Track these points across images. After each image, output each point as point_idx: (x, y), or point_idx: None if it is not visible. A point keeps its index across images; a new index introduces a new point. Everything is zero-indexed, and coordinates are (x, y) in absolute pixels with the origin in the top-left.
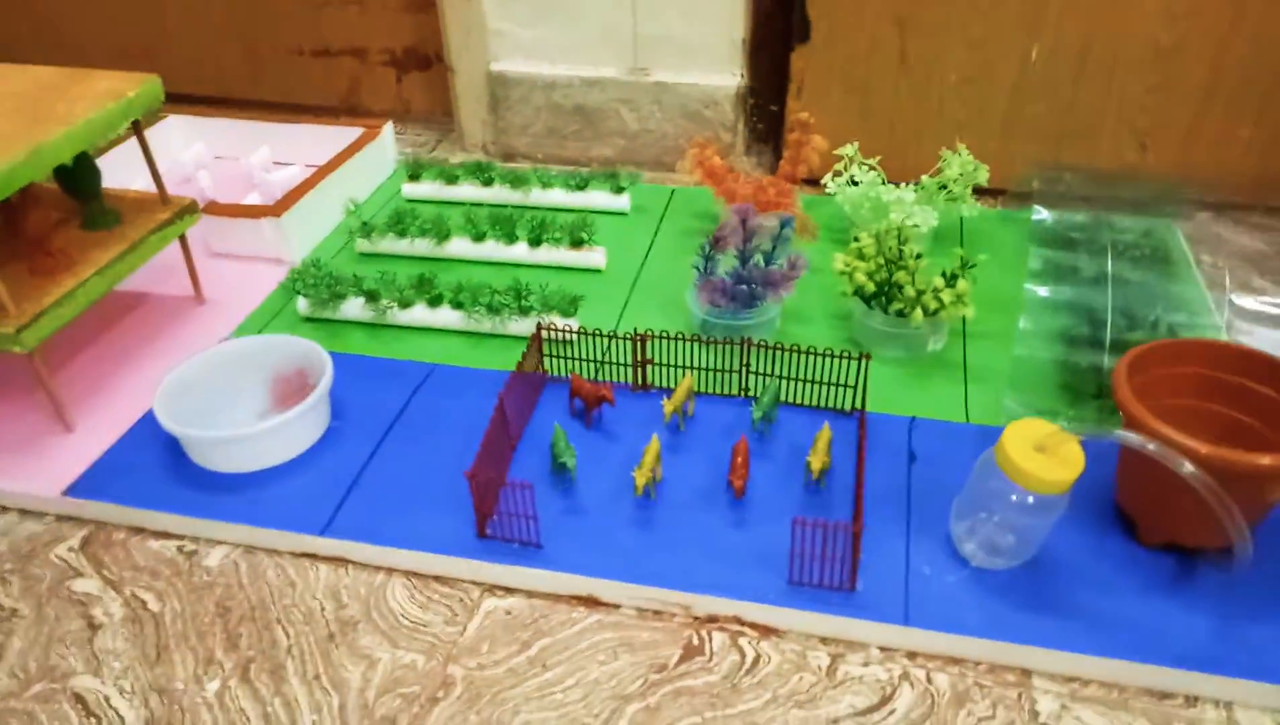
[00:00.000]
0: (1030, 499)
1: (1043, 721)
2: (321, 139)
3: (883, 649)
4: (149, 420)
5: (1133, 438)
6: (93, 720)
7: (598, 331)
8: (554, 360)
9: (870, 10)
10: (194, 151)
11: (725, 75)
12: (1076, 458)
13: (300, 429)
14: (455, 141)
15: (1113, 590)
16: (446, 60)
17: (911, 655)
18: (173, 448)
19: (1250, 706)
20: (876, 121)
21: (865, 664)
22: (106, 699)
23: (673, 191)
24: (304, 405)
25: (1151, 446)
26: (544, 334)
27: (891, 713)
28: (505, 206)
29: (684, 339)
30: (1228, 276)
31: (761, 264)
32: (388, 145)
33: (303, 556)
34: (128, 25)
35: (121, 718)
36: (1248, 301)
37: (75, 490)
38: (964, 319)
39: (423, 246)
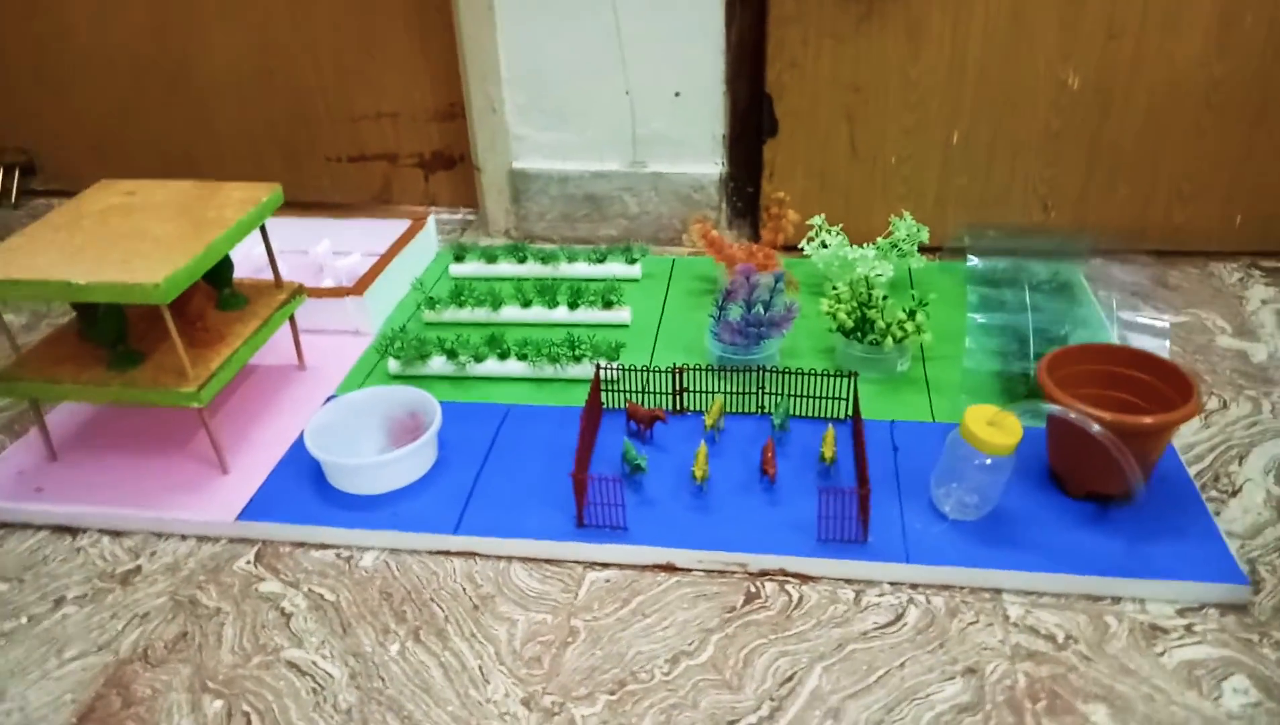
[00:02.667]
0: (988, 461)
1: (1013, 622)
2: (371, 231)
3: (891, 583)
4: (289, 461)
5: (1058, 409)
6: (306, 678)
7: (646, 367)
8: (605, 394)
9: (824, 109)
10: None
11: (709, 165)
12: (1016, 428)
13: (424, 456)
14: (479, 227)
15: (1052, 528)
16: (474, 161)
17: (913, 585)
18: (314, 479)
19: (1157, 599)
20: (834, 197)
21: (880, 594)
22: (314, 663)
23: (673, 261)
24: (427, 435)
25: (1072, 414)
26: (602, 373)
27: (904, 624)
28: (543, 279)
29: (712, 370)
30: (1114, 302)
31: (762, 311)
32: (431, 233)
33: (438, 553)
34: (177, 132)
35: (329, 674)
36: (1132, 317)
37: (245, 515)
38: (922, 345)
39: (480, 314)
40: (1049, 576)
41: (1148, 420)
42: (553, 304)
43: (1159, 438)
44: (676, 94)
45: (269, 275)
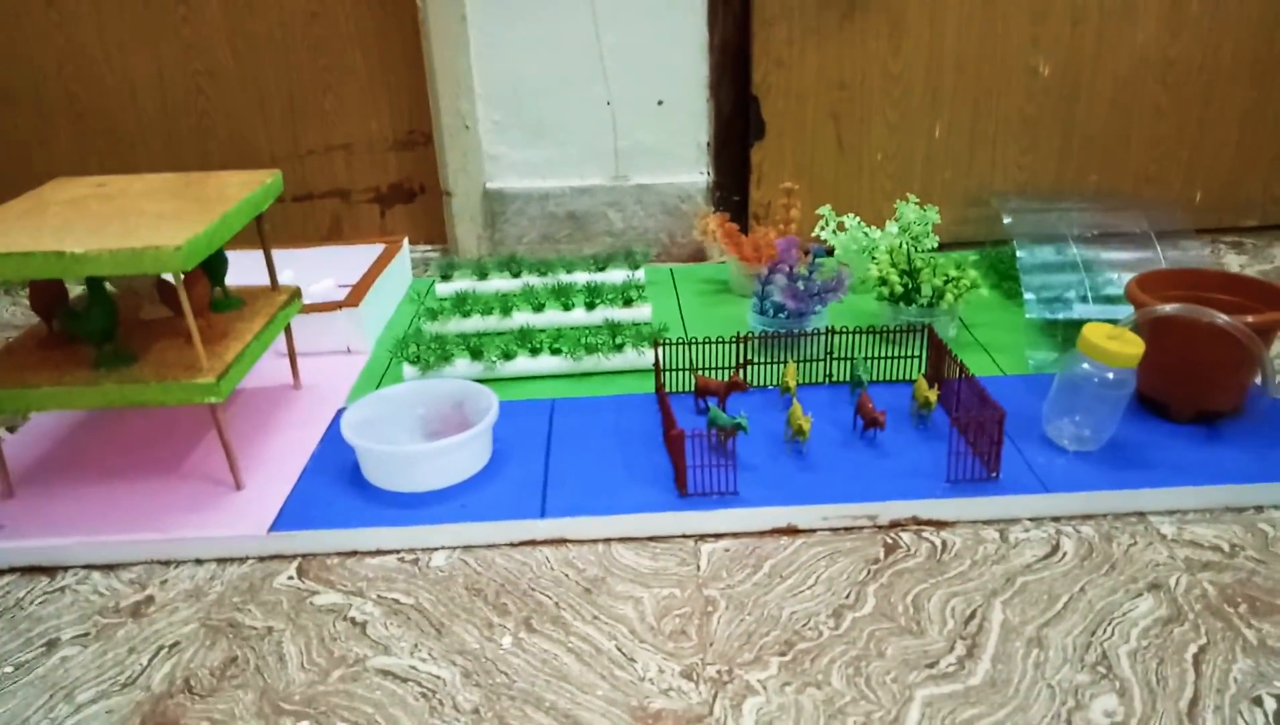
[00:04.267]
0: (1110, 375)
1: (1171, 539)
2: (337, 259)
3: (1032, 518)
4: (315, 469)
5: (1185, 307)
6: (409, 684)
7: (708, 339)
8: (665, 376)
9: (811, 108)
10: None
11: (695, 174)
12: (1138, 341)
13: (483, 444)
14: (446, 259)
15: (1172, 450)
16: (442, 186)
17: (1055, 519)
18: (351, 482)
19: None
20: (822, 197)
21: (1025, 531)
22: (413, 668)
23: (671, 269)
24: (489, 418)
25: (1201, 311)
26: (659, 351)
27: (1064, 555)
28: (545, 288)
29: (780, 335)
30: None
31: (814, 282)
32: (406, 259)
33: (522, 544)
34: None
35: (438, 676)
36: (1179, 255)
37: (280, 526)
38: (961, 318)
39: (490, 322)
40: (1192, 490)
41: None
42: (568, 305)
43: (1269, 341)
44: (659, 102)
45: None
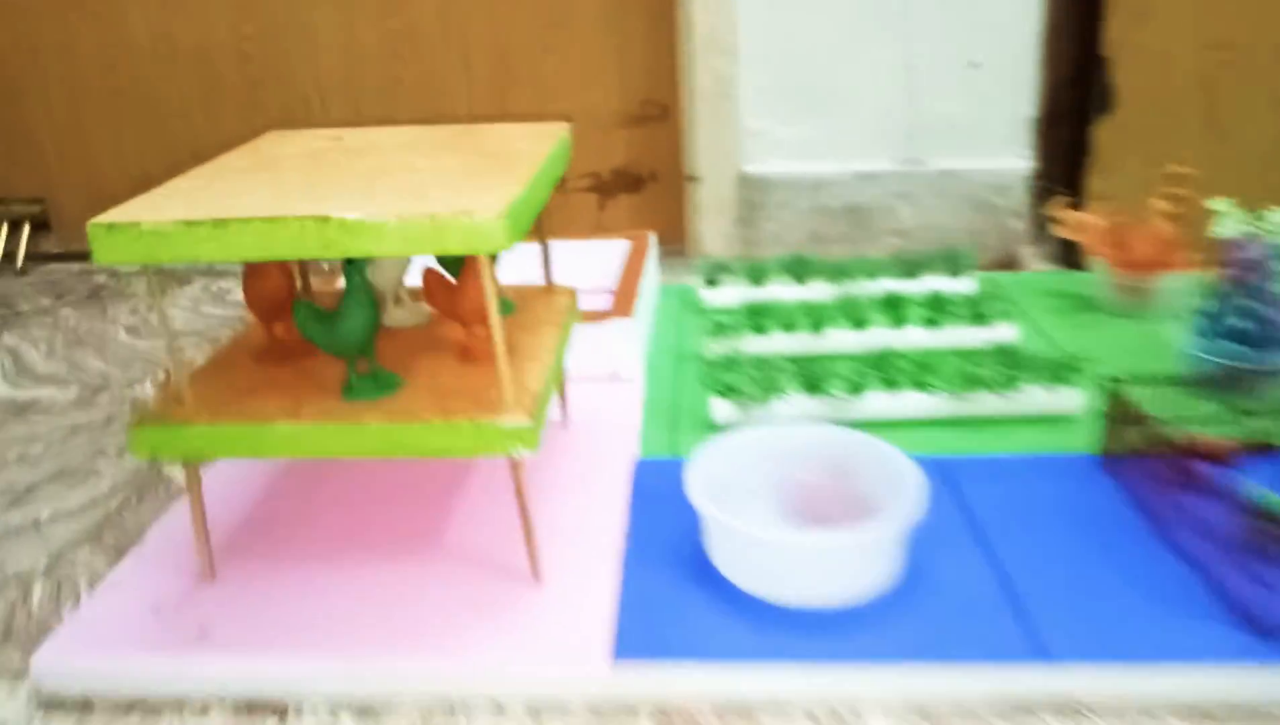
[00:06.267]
0: None
1: None
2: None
3: None
4: (638, 554)
5: None
6: None
7: (1167, 379)
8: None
9: (1178, 76)
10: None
11: (1011, 157)
12: None
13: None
14: (681, 263)
15: None
16: (686, 170)
17: None
18: (695, 577)
19: None
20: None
21: None
22: None
23: (996, 277)
24: (918, 493)
25: None
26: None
27: None
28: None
29: (1244, 373)
30: None
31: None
32: (654, 258)
33: (1014, 711)
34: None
35: None
36: None
37: (625, 650)
38: None
39: (797, 341)
40: None
41: None
42: (900, 321)
43: None
44: (973, 65)
45: None
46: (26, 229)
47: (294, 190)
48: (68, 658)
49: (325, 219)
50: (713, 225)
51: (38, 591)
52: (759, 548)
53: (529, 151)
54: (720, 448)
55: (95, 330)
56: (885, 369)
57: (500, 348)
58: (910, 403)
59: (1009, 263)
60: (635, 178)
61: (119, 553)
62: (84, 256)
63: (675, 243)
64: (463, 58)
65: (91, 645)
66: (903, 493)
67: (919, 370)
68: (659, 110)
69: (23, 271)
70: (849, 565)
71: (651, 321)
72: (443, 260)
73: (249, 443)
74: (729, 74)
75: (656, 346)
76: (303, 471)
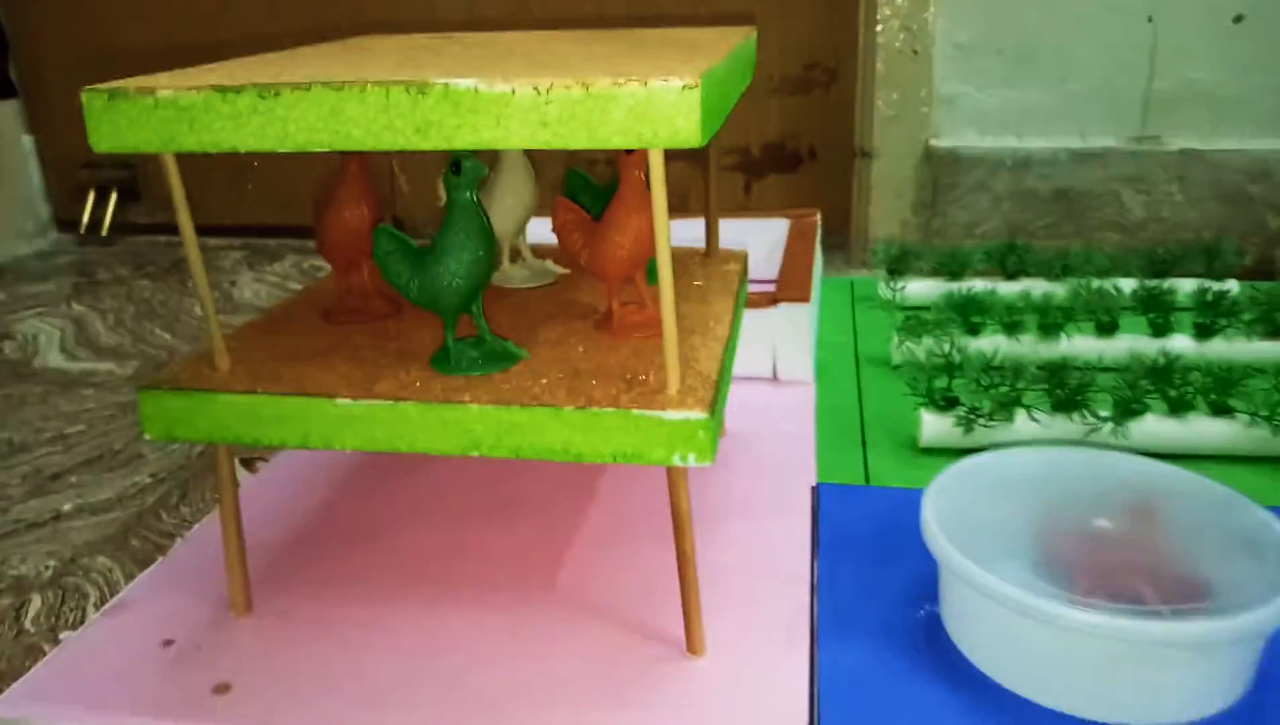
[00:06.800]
0: None
1: None
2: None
3: None
4: (831, 615)
5: None
6: None
7: None
8: None
9: None
10: None
11: (1277, 138)
12: None
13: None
14: (842, 256)
15: None
16: (858, 143)
17: None
18: (912, 641)
19: None
20: None
21: None
22: None
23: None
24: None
25: None
26: None
27: None
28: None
29: None
30: None
31: None
32: (818, 244)
33: None
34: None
35: None
36: None
37: None
38: None
39: (1020, 345)
40: None
41: None
42: (1160, 329)
43: None
44: (1237, 19)
45: None
46: (114, 197)
47: (384, 65)
48: (40, 707)
49: (425, 85)
50: (888, 210)
51: (36, 603)
52: (1049, 632)
53: (712, 42)
54: (967, 476)
55: (170, 303)
56: (1170, 385)
57: (669, 312)
58: (1207, 431)
59: (1266, 268)
60: (791, 154)
61: (142, 563)
62: (173, 229)
63: (834, 235)
64: (597, 6)
65: (74, 694)
66: (1265, 563)
67: (1219, 388)
68: (827, 75)
69: (107, 241)
70: (1191, 666)
71: (816, 316)
72: (579, 195)
73: (299, 425)
74: (922, 27)
75: (825, 346)
76: (375, 472)
